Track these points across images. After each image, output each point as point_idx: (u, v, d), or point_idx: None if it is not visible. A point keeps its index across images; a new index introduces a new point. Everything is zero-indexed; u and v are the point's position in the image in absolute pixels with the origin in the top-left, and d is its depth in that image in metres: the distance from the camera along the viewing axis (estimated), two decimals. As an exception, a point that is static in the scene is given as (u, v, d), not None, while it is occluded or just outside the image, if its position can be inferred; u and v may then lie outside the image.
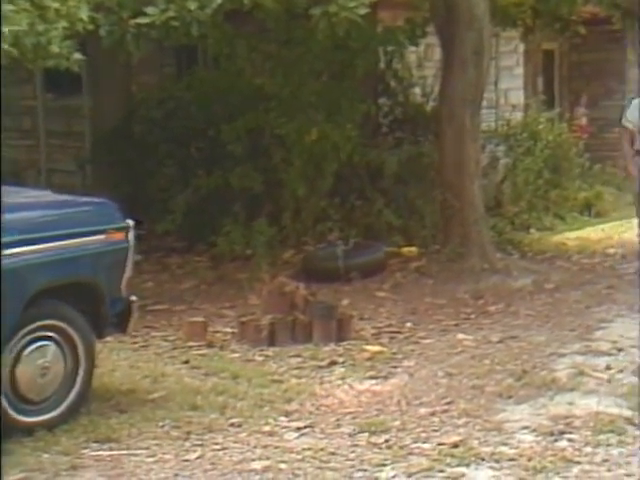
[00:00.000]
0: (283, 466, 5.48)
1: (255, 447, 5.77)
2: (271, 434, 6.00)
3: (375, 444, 5.81)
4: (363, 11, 8.48)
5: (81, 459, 5.60)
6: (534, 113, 15.87)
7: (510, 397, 6.63)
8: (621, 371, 7.23)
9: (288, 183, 10.86)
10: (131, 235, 6.50)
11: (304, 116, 10.53)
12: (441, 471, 5.39)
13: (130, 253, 6.47)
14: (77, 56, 7.37)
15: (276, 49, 10.44)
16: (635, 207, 10.63)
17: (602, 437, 5.82)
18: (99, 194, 7.29)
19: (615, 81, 19.32)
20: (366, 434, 5.96)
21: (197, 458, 5.62)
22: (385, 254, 11.01)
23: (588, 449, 5.66)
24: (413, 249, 11.47)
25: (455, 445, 5.73)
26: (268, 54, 10.40)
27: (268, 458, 5.60)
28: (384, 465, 5.49)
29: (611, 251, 12.28)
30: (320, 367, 7.46)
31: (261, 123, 10.74)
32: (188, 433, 5.98)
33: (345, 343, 8.08)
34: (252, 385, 6.93)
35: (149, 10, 8.28)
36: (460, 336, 8.34)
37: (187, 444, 5.82)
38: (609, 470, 5.37)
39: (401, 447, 5.75)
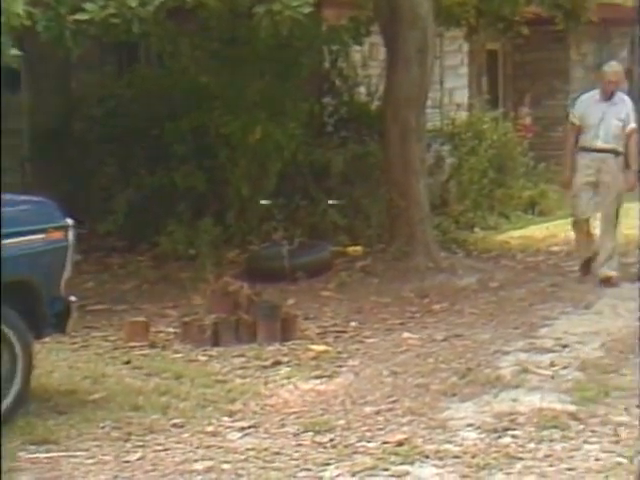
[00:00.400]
0: (226, 466, 5.42)
1: (198, 447, 5.70)
2: (214, 434, 5.93)
3: (319, 443, 5.77)
4: (307, 10, 8.44)
5: (18, 462, 5.49)
6: (479, 112, 15.95)
7: (454, 395, 6.62)
8: (565, 367, 7.27)
9: (233, 182, 10.79)
10: (71, 234, 6.40)
11: (248, 115, 10.46)
12: (385, 469, 5.37)
13: (70, 253, 6.37)
14: (14, 52, 7.23)
15: (220, 48, 10.35)
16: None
17: (545, 433, 5.84)
18: (38, 193, 7.15)
19: (558, 80, 19.48)
20: (310, 433, 5.93)
21: (138, 459, 5.53)
22: (330, 253, 10.98)
23: (531, 445, 5.67)
24: (358, 248, 11.47)
25: (400, 443, 5.70)
26: (212, 53, 10.31)
27: (211, 458, 5.53)
28: (328, 464, 5.46)
29: (555, 249, 12.36)
30: (264, 367, 7.40)
31: (205, 122, 10.65)
32: (129, 434, 5.90)
33: (290, 343, 8.02)
34: (195, 385, 6.85)
35: (88, 6, 8.13)
36: (405, 335, 8.33)
37: (128, 445, 5.74)
38: (551, 465, 5.37)
39: (346, 446, 5.72)
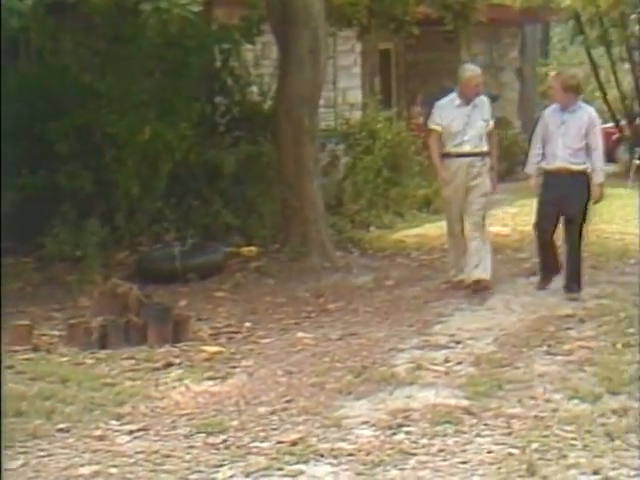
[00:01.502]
0: (113, 470, 5.28)
1: (84, 452, 5.55)
2: (101, 438, 5.78)
3: (212, 445, 5.67)
4: (196, 8, 8.35)
5: None
6: (372, 112, 16.00)
7: (350, 393, 6.58)
8: (459, 363, 7.29)
9: (121, 183, 10.58)
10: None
11: (136, 114, 10.26)
12: (280, 469, 5.30)
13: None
14: None
15: (105, 45, 10.12)
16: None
17: (439, 428, 5.84)
18: None
19: (450, 80, 19.56)
20: (203, 435, 5.82)
21: (21, 466, 5.35)
22: (224, 254, 10.88)
23: (425, 440, 5.66)
24: (253, 249, 11.40)
25: (294, 443, 5.65)
26: (95, 50, 10.08)
27: (98, 463, 5.39)
28: (221, 465, 5.37)
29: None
30: (155, 369, 7.25)
31: (91, 121, 10.40)
32: (11, 440, 5.67)
33: (182, 344, 7.90)
34: (82, 389, 6.67)
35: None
36: (300, 334, 8.28)
37: (9, 452, 5.52)
38: (445, 459, 5.38)
39: (239, 447, 5.64)
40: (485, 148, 9.83)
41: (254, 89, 13.15)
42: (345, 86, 16.45)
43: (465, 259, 9.87)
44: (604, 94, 23.36)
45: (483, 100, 9.93)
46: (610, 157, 24.11)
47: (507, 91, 20.68)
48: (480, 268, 9.72)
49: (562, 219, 9.43)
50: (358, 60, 16.76)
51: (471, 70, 10.03)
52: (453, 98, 9.86)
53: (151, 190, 10.84)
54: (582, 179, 9.35)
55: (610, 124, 24.38)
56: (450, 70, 19.60)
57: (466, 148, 9.75)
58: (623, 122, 23.51)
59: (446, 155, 9.81)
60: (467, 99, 9.76)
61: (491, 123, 9.96)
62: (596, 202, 9.52)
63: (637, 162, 20.63)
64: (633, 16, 19.88)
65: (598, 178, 9.39)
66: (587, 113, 9.45)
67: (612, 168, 22.31)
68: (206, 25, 10.86)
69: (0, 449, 5.12)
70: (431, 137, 10.03)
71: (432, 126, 9.94)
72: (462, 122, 9.70)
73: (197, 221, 11.47)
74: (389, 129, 15.50)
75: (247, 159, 12.28)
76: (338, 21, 13.45)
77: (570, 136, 9.30)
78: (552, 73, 19.48)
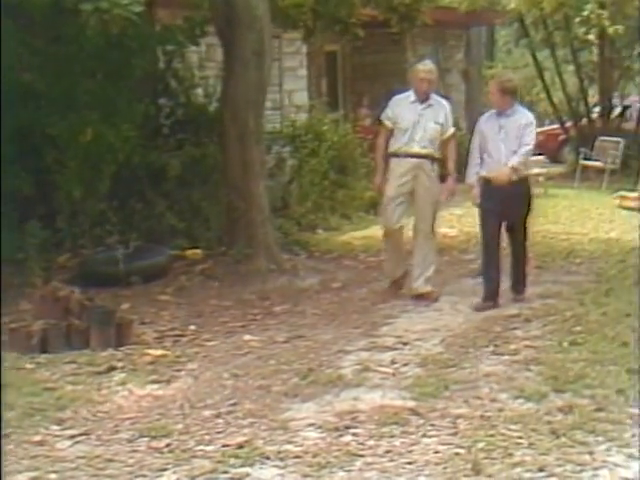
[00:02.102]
0: (53, 476, 5.21)
1: (23, 458, 5.45)
2: (41, 443, 5.69)
3: (156, 448, 5.61)
4: (138, 9, 8.20)
5: None
6: (319, 114, 15.96)
7: (296, 396, 6.54)
8: (406, 364, 7.29)
9: (62, 184, 10.42)
10: None
11: (78, 116, 10.11)
12: (225, 472, 5.26)
13: None
14: None
15: (44, 45, 9.95)
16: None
17: (386, 429, 5.83)
18: None
19: (396, 82, 19.62)
20: (146, 439, 5.76)
21: (-44, 474, 5.23)
22: (168, 257, 10.79)
23: (372, 442, 5.64)
24: (198, 252, 11.32)
25: (240, 446, 5.60)
26: (36, 50, 9.91)
27: (37, 469, 5.30)
28: (165, 469, 5.31)
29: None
30: (98, 373, 7.16)
31: (30, 122, 10.22)
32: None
33: (125, 348, 7.81)
34: (21, 394, 6.55)
35: None
36: (246, 337, 8.21)
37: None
38: (392, 460, 5.37)
39: (183, 450, 5.58)
40: (436, 154, 9.41)
41: (199, 91, 13.06)
42: (291, 88, 16.39)
43: (401, 267, 9.67)
44: (549, 96, 23.56)
45: (440, 102, 9.54)
46: (556, 158, 24.49)
47: (453, 93, 20.72)
48: (422, 280, 9.48)
49: (505, 225, 9.21)
50: (304, 62, 16.71)
51: (422, 65, 9.64)
52: (409, 94, 9.50)
53: (93, 192, 10.68)
54: (523, 185, 9.13)
55: (556, 125, 24.65)
56: (396, 72, 19.84)
57: (415, 148, 9.33)
58: (569, 123, 23.72)
59: (394, 154, 9.42)
60: (420, 96, 9.38)
61: (450, 130, 9.53)
62: (498, 181, 8.91)
63: (583, 162, 20.82)
64: (577, 19, 20.03)
65: (513, 160, 8.90)
66: (524, 115, 9.13)
67: (558, 169, 22.59)
68: (149, 26, 10.71)
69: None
70: (380, 132, 9.70)
71: (383, 120, 9.61)
72: (412, 120, 9.31)
73: (141, 224, 11.35)
74: (335, 131, 15.46)
75: (192, 161, 12.18)
76: (283, 23, 13.38)
77: (510, 140, 8.97)
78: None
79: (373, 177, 10.09)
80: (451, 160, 9.56)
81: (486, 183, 9.08)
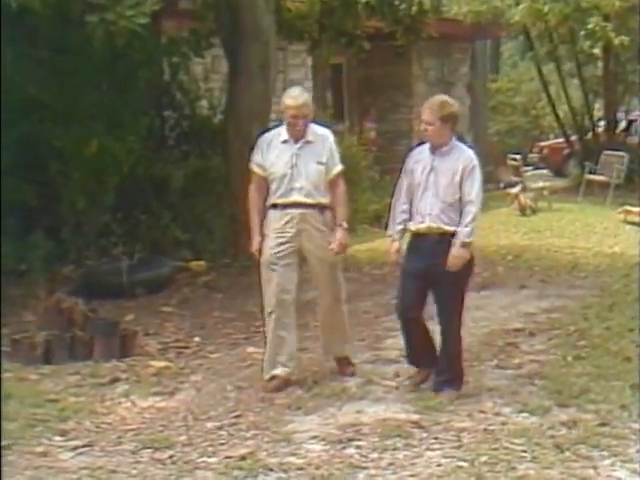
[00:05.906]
0: (55, 487, 5.19)
1: (25, 469, 5.45)
2: (44, 454, 5.68)
3: (159, 460, 5.60)
4: (143, 20, 8.23)
5: None
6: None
7: (299, 408, 6.52)
8: (409, 378, 7.22)
9: (67, 196, 10.45)
10: None
11: (83, 127, 10.13)
12: (228, 483, 5.24)
13: None
14: None
15: (50, 56, 9.97)
16: None
17: (389, 442, 5.81)
18: None
19: (402, 95, 19.78)
20: (149, 450, 5.75)
21: (-41, 486, 5.24)
22: (172, 269, 10.80)
23: (375, 454, 5.63)
24: (202, 263, 11.33)
25: (243, 457, 5.58)
26: (41, 61, 9.93)
27: (40, 479, 5.28)
28: (168, 481, 5.29)
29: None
30: (101, 384, 7.16)
31: (35, 133, 10.24)
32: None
33: (129, 359, 7.81)
34: (25, 405, 6.55)
35: None
36: (250, 349, 8.19)
37: (-51, 471, 5.42)
38: (394, 473, 5.35)
39: (186, 462, 5.57)
40: (324, 200, 7.14)
41: (204, 103, 13.08)
42: (296, 101, 16.38)
43: (289, 350, 7.29)
44: (554, 109, 23.60)
45: (323, 136, 7.18)
46: (560, 172, 24.53)
47: (458, 106, 20.74)
48: (341, 349, 7.62)
49: (432, 295, 6.91)
50: (309, 74, 16.74)
51: (291, 98, 7.08)
52: (280, 131, 7.22)
53: (98, 204, 10.72)
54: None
55: (561, 139, 24.69)
56: (402, 85, 19.88)
57: (295, 197, 7.09)
58: (574, 137, 23.76)
59: (272, 206, 7.18)
60: (294, 135, 7.09)
61: (337, 167, 7.19)
62: (451, 265, 6.63)
63: (587, 176, 20.82)
64: (582, 32, 20.05)
65: (463, 236, 6.62)
66: (464, 156, 6.78)
67: (563, 183, 22.60)
68: (154, 38, 10.78)
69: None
70: (252, 182, 7.29)
71: (252, 167, 7.27)
72: (288, 164, 7.07)
73: (145, 235, 11.37)
74: (340, 143, 15.42)
75: (196, 173, 12.20)
76: (288, 35, 13.41)
77: (440, 188, 6.71)
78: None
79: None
80: (340, 205, 7.21)
81: (411, 237, 7.01)
